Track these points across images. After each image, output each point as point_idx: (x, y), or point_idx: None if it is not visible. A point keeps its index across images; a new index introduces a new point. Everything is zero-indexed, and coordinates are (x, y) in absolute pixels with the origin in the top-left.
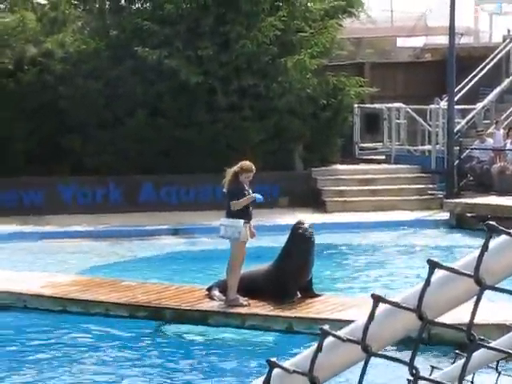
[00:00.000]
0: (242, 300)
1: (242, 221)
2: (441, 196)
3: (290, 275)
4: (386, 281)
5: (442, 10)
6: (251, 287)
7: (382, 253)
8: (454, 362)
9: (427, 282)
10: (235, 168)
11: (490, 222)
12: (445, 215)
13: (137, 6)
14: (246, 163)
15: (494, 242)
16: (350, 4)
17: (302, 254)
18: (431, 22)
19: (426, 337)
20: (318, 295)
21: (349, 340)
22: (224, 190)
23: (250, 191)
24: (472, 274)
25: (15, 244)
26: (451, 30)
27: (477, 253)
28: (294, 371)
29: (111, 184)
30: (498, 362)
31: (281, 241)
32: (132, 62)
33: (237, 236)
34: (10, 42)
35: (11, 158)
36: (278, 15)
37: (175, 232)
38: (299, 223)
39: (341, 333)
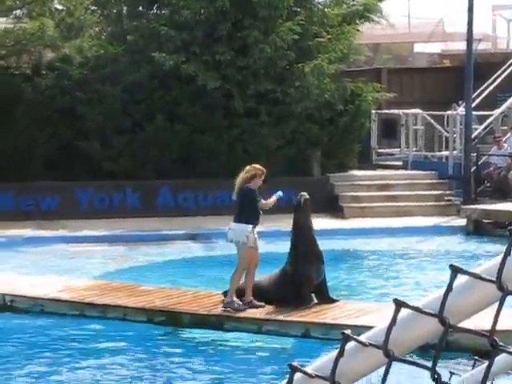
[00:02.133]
0: (238, 304)
1: (250, 226)
2: (458, 202)
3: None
4: (403, 287)
5: (460, 16)
6: (267, 293)
7: (399, 259)
8: (472, 369)
9: (449, 288)
10: (251, 171)
11: None
12: (462, 221)
13: (154, 11)
14: (260, 167)
15: None
16: (368, 9)
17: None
18: (449, 28)
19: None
20: (334, 301)
21: (371, 345)
22: (234, 196)
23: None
24: (494, 279)
25: (32, 248)
26: (469, 36)
27: (499, 258)
28: (316, 375)
29: (128, 189)
30: (474, 361)
31: None
32: (149, 67)
33: (244, 240)
34: (29, 47)
35: (29, 162)
36: (296, 20)
37: (193, 237)
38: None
39: (363, 337)
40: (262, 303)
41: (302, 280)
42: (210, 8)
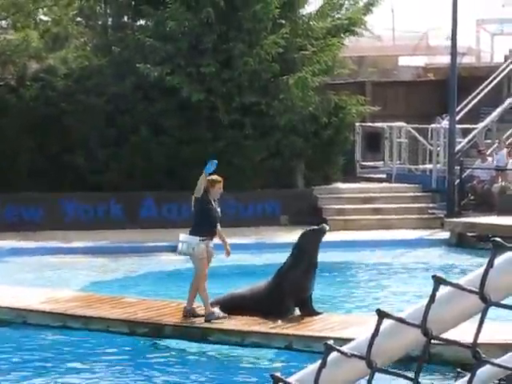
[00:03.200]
0: (218, 313)
1: (197, 238)
2: (441, 215)
3: (290, 288)
4: (386, 299)
5: (444, 30)
6: (250, 305)
7: (382, 271)
8: (455, 381)
9: (432, 298)
10: (205, 183)
11: (497, 239)
12: (445, 234)
13: (139, 22)
14: (213, 177)
15: (499, 259)
16: (353, 23)
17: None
18: (433, 42)
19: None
20: (318, 313)
21: (353, 355)
22: (192, 209)
23: (216, 204)
24: (477, 290)
25: (15, 259)
26: (453, 50)
27: (482, 269)
28: None
29: (112, 200)
30: (499, 381)
31: (281, 259)
32: (134, 78)
33: (191, 252)
34: (13, 58)
35: (13, 173)
36: (281, 33)
37: (176, 249)
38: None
39: (345, 348)
40: (202, 313)
41: (288, 291)
42: (195, 20)
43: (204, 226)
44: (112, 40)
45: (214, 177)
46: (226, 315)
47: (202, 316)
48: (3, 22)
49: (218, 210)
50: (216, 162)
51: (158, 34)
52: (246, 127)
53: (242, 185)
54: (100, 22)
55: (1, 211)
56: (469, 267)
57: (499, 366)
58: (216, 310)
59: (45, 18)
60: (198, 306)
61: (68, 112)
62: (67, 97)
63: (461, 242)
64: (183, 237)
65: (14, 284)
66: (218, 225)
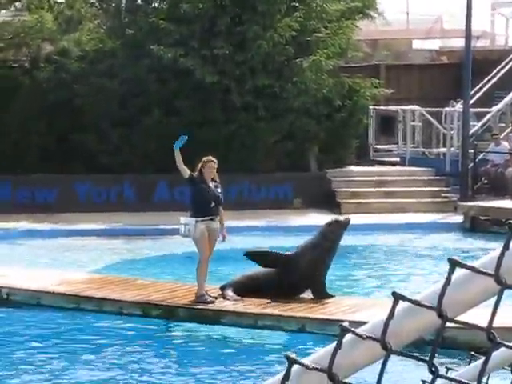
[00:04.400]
0: (208, 297)
1: (193, 219)
2: (455, 199)
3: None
4: (398, 283)
5: (459, 13)
6: (263, 287)
7: (395, 255)
8: (469, 364)
9: (447, 281)
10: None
11: None
12: (458, 218)
13: (153, 4)
14: (207, 157)
15: None
16: (367, 6)
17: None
18: (447, 25)
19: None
20: (330, 296)
21: (368, 337)
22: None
23: (212, 185)
24: (493, 273)
25: (28, 241)
26: (467, 33)
27: (497, 252)
28: (314, 367)
29: (126, 182)
30: None
31: (294, 242)
32: (148, 60)
33: (188, 233)
34: (27, 40)
35: (26, 155)
36: (295, 16)
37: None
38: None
39: (360, 330)
40: (213, 299)
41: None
42: (209, 2)
43: (199, 206)
44: (125, 22)
45: (206, 157)
46: (239, 298)
47: (215, 299)
48: (18, 3)
49: (219, 190)
50: (186, 137)
51: (171, 16)
52: (259, 110)
53: (255, 167)
54: (113, 5)
55: (13, 193)
56: (482, 251)
57: None
58: (229, 292)
59: (59, 0)
60: (212, 288)
61: (81, 94)
62: (80, 79)
63: (474, 225)
64: (183, 219)
65: (27, 266)
66: (220, 207)
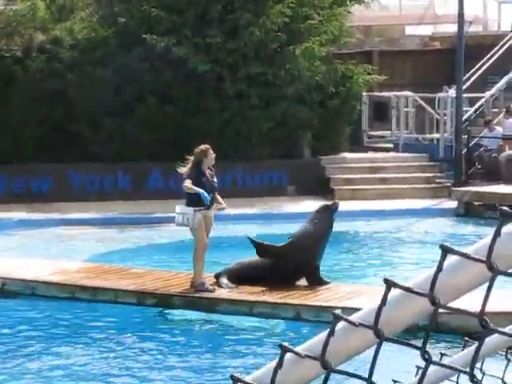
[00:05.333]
0: (209, 285)
1: (191, 208)
2: (449, 184)
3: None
4: (393, 269)
5: None
6: (258, 274)
7: (389, 241)
8: (462, 350)
9: (439, 268)
10: (198, 153)
11: (504, 208)
12: (453, 203)
13: None
14: (201, 146)
15: (507, 228)
16: None
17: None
18: (440, 11)
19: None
20: (326, 283)
21: (361, 325)
22: (184, 177)
23: (208, 173)
24: (484, 259)
25: (23, 231)
26: (460, 18)
27: (489, 238)
28: (306, 355)
29: (119, 171)
30: (507, 349)
31: (288, 229)
32: (140, 49)
33: (186, 222)
34: (19, 29)
35: (20, 144)
36: (287, 2)
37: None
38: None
39: (353, 317)
40: (212, 288)
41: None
42: None
43: (197, 197)
44: (118, 11)
45: (204, 146)
46: (234, 285)
47: (213, 290)
48: None
49: (215, 179)
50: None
51: (164, 4)
52: (252, 97)
53: (249, 155)
54: None
55: (9, 183)
56: (476, 236)
57: (507, 334)
58: (224, 280)
59: None
60: (207, 276)
61: (74, 83)
62: (73, 68)
63: (468, 211)
64: (179, 208)
65: (22, 255)
66: (216, 194)
